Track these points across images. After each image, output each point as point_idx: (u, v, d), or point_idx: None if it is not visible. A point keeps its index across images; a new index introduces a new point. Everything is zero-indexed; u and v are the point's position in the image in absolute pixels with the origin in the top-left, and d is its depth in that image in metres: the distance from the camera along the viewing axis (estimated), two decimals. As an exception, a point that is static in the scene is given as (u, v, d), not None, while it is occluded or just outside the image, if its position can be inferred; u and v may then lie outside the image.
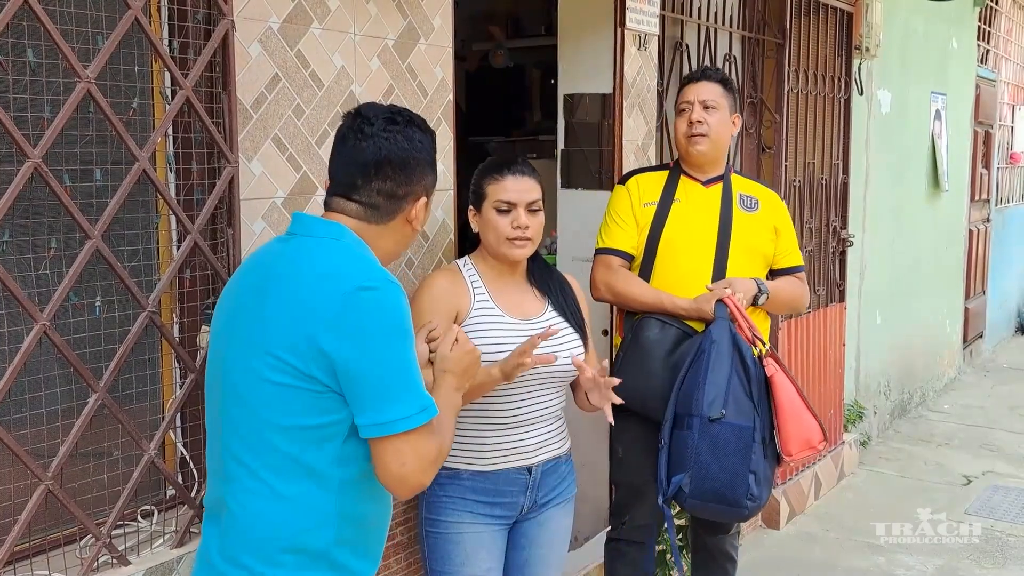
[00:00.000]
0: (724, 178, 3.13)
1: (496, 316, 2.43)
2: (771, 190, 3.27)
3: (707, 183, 3.11)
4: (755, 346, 2.87)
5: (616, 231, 3.08)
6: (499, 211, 2.42)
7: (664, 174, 3.15)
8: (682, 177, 3.12)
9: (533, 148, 5.46)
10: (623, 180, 3.19)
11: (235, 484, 1.70)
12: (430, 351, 2.00)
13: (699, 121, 3.01)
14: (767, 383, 2.86)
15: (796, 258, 3.23)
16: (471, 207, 2.51)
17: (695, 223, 3.06)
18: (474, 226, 2.51)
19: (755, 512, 2.87)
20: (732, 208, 3.08)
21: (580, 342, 2.54)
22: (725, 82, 3.10)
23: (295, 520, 1.67)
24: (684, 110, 3.07)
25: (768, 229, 3.14)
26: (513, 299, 2.49)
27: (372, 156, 1.78)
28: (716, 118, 3.04)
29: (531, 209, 2.44)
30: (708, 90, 3.05)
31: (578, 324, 2.56)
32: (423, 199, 1.85)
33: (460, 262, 2.56)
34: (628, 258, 3.07)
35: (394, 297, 1.67)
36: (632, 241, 3.06)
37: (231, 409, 1.72)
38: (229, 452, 1.71)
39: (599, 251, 3.11)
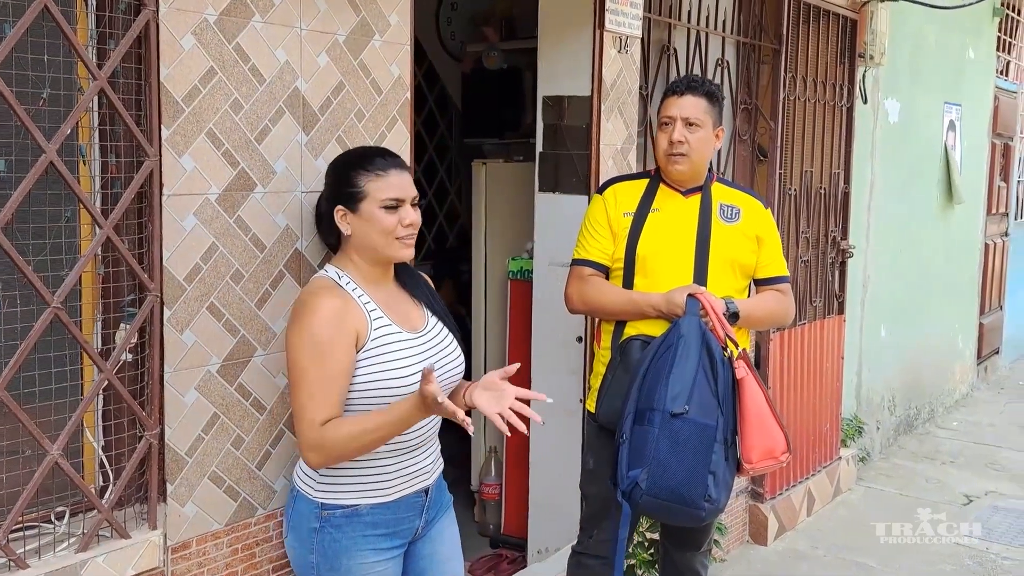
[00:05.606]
0: (704, 188, 3.04)
1: (395, 334, 2.24)
2: (756, 199, 3.15)
3: (687, 193, 3.03)
4: (727, 347, 2.79)
5: (590, 242, 3.04)
6: (387, 208, 2.23)
7: (644, 182, 3.08)
8: (661, 186, 3.05)
9: (525, 150, 5.36)
10: (601, 189, 3.12)
11: None
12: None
13: (680, 141, 2.93)
14: (734, 385, 2.78)
15: (780, 268, 3.13)
16: (339, 207, 2.25)
17: (672, 234, 2.98)
18: (344, 228, 2.24)
19: (712, 516, 2.77)
20: (711, 219, 3.00)
21: (459, 349, 2.39)
22: (711, 95, 2.98)
23: None
24: (666, 124, 2.98)
25: (749, 239, 3.05)
26: (400, 310, 2.32)
27: None
28: (698, 136, 2.94)
29: (414, 204, 2.29)
30: (692, 106, 2.94)
31: (451, 325, 2.40)
32: None
33: (332, 275, 2.26)
34: (601, 269, 3.01)
35: None
36: (606, 252, 3.00)
37: None
38: None
39: (572, 263, 3.07)
